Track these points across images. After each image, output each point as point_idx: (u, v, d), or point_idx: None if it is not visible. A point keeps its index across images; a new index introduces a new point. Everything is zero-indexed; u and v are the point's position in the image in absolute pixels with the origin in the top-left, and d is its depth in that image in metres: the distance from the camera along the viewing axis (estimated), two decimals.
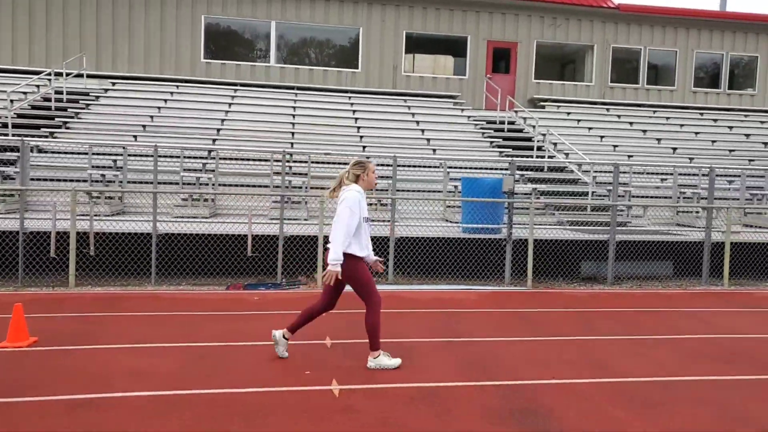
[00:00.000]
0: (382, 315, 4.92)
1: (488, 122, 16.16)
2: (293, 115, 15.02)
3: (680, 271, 10.09)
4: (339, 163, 12.60)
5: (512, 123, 16.43)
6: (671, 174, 13.28)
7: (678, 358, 5.46)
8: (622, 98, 18.72)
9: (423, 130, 14.92)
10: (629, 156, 14.38)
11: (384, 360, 4.90)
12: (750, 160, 14.65)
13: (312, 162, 12.40)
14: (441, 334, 6.05)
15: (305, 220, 10.17)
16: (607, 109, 17.94)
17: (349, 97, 16.79)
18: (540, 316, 6.96)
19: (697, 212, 12.15)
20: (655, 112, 18.12)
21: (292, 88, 17.00)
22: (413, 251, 9.11)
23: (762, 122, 17.99)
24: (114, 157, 10.87)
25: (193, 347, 5.41)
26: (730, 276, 10.06)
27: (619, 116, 17.42)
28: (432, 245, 9.18)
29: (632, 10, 18.37)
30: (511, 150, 14.17)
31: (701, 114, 18.35)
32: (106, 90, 15.23)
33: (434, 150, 13.70)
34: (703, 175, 13.33)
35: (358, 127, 14.73)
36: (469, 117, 16.23)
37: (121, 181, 10.50)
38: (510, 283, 8.97)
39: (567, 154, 14.14)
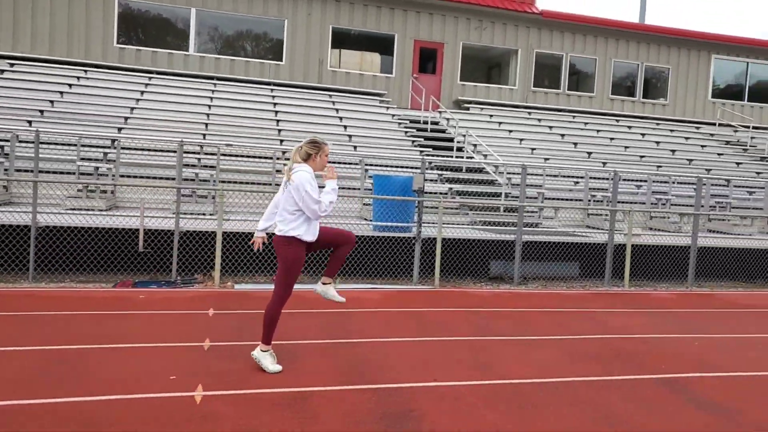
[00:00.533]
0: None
1: (412, 121, 16.13)
2: (209, 106, 14.43)
3: (586, 272, 10.33)
4: (253, 157, 12.19)
5: (435, 123, 16.47)
6: (583, 177, 13.64)
7: (562, 358, 5.47)
8: (544, 103, 19.18)
9: (345, 126, 14.69)
10: (546, 159, 14.69)
11: (267, 361, 4.63)
12: (658, 166, 15.30)
13: (224, 155, 11.96)
14: (330, 335, 5.82)
15: (211, 215, 9.70)
16: (529, 113, 18.32)
17: (272, 90, 16.34)
18: (439, 315, 6.87)
19: (606, 215, 12.52)
20: (574, 117, 18.67)
21: (212, 78, 16.36)
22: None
23: (671, 131, 18.88)
24: (2, 144, 10.02)
25: (54, 351, 4.94)
26: (632, 277, 10.39)
27: (539, 120, 17.82)
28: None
29: (555, 17, 18.85)
30: (431, 150, 14.17)
31: (617, 120, 19.07)
32: (2, 71, 14.11)
33: (355, 147, 13.49)
34: (612, 179, 13.78)
35: (277, 120, 14.34)
36: (393, 115, 16.14)
37: (6, 169, 9.68)
38: (418, 282, 8.88)
39: (485, 156, 14.28)
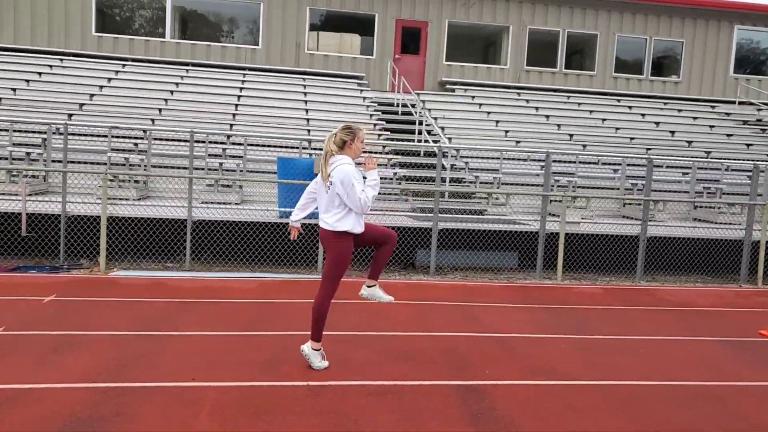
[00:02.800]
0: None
1: (383, 104, 15.45)
2: (171, 92, 14.26)
3: (525, 263, 9.48)
4: (200, 142, 11.90)
5: (412, 106, 15.71)
6: (559, 162, 12.62)
7: (373, 357, 4.85)
8: (538, 83, 18.00)
9: (307, 110, 14.21)
10: (517, 142, 13.71)
11: (315, 358, 4.54)
12: (648, 149, 14.00)
13: (172, 140, 11.76)
14: (131, 327, 5.40)
15: (134, 200, 9.47)
16: (518, 94, 17.24)
17: (244, 75, 16.04)
18: (295, 307, 6.33)
19: (574, 200, 11.52)
20: (569, 97, 17.42)
21: (187, 64, 16.23)
22: (231, 236, 8.48)
23: (679, 110, 17.32)
24: None
25: None
26: (572, 269, 9.46)
27: (527, 101, 16.73)
28: (249, 230, 8.52)
29: None
30: (389, 133, 13.49)
31: (618, 101, 17.67)
32: None
33: (308, 131, 13.00)
34: (581, 162, 12.72)
35: (237, 105, 14.03)
36: (365, 98, 15.51)
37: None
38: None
39: (450, 139, 13.47)
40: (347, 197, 4.26)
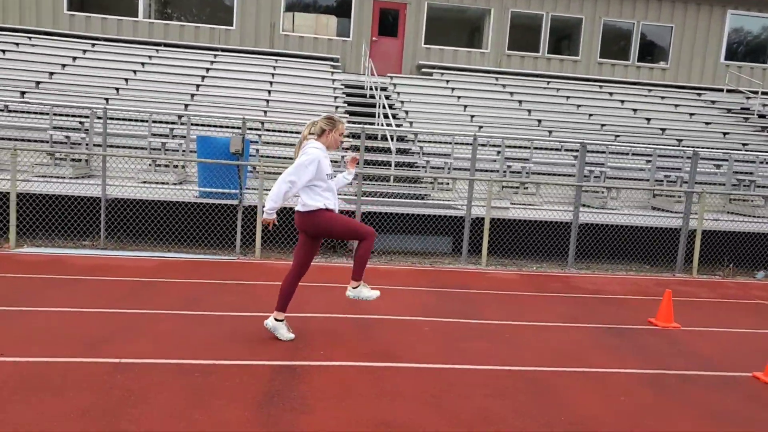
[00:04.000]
0: None
1: (351, 87, 15.20)
2: (135, 71, 14.20)
3: (458, 248, 9.23)
4: (158, 122, 11.82)
5: (384, 89, 15.44)
6: (512, 147, 12.28)
7: (209, 337, 4.70)
8: (520, 68, 17.56)
9: (270, 92, 14.04)
10: (480, 127, 13.36)
11: (364, 291, 4.68)
12: (616, 136, 13.53)
13: (129, 120, 11.69)
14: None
15: (69, 179, 9.43)
16: (497, 79, 16.82)
17: (215, 55, 15.92)
18: (171, 287, 6.21)
19: (525, 187, 11.22)
20: (549, 83, 16.96)
21: (159, 44, 16.16)
22: (148, 216, 8.40)
23: (663, 98, 16.75)
24: None
25: None
26: (507, 256, 9.20)
27: (504, 86, 16.32)
28: (164, 210, 8.43)
29: None
30: (349, 116, 13.25)
31: (600, 87, 17.14)
32: None
33: (265, 112, 12.84)
34: (539, 149, 12.36)
35: (198, 86, 13.89)
36: (334, 81, 15.28)
37: None
38: (241, 253, 8.19)
39: (411, 123, 13.20)
40: (291, 168, 4.33)
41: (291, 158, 10.75)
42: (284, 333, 4.70)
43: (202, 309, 5.43)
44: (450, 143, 11.57)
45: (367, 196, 9.78)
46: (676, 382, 4.36)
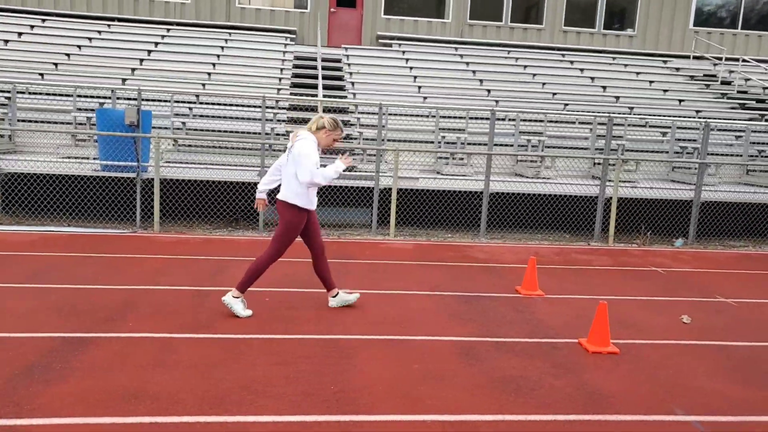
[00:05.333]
0: None
1: (304, 59, 14.97)
2: (79, 46, 14.06)
3: (382, 220, 9.11)
4: (85, 97, 11.72)
5: (338, 61, 15.21)
6: (447, 118, 12.06)
7: (29, 308, 4.67)
8: (482, 37, 17.18)
9: (214, 64, 13.86)
10: (425, 98, 13.11)
11: (239, 306, 4.74)
12: (565, 105, 13.23)
13: (60, 95, 11.60)
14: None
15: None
16: (456, 49, 16.47)
17: (167, 29, 15.72)
18: (36, 260, 6.18)
19: (461, 158, 11.04)
20: (509, 52, 16.59)
21: (113, 19, 15.99)
22: (47, 190, 8.36)
23: (626, 65, 16.33)
24: None
25: None
26: (419, 226, 9.08)
27: (462, 56, 15.98)
28: (61, 183, 8.35)
29: None
30: (294, 88, 13.08)
31: (563, 56, 16.75)
32: None
33: (204, 85, 12.68)
34: (476, 118, 12.13)
35: (142, 60, 13.74)
36: (285, 53, 15.06)
37: None
38: (141, 227, 8.14)
39: (354, 95, 12.99)
40: (299, 166, 4.46)
41: (220, 131, 10.68)
42: (240, 310, 4.73)
43: (44, 282, 5.40)
44: (393, 114, 11.36)
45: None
46: (488, 349, 4.27)
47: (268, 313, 4.84)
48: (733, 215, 9.51)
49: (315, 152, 4.53)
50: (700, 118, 13.32)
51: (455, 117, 12.06)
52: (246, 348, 4.09)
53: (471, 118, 12.04)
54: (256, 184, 8.62)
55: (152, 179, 8.23)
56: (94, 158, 8.68)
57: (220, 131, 10.66)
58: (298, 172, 4.48)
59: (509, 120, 12.53)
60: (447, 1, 17.23)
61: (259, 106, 12.17)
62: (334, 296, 5.02)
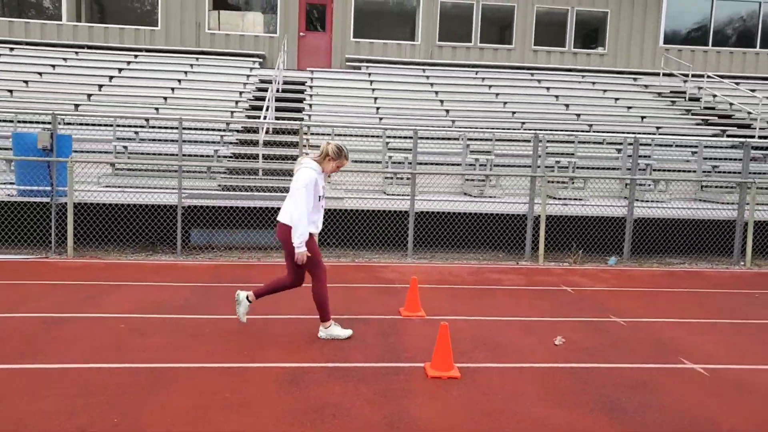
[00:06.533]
0: None
1: (266, 82, 15.04)
2: (40, 73, 14.26)
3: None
4: (34, 122, 11.82)
5: (302, 84, 15.26)
6: (400, 138, 11.97)
7: None
8: (452, 58, 17.18)
9: (173, 89, 13.96)
10: (381, 119, 13.05)
11: (335, 330, 4.81)
12: (522, 123, 13.07)
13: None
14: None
15: None
16: (423, 70, 16.47)
17: (135, 56, 15.93)
18: None
19: (400, 178, 10.91)
20: (477, 72, 16.55)
21: (83, 46, 16.26)
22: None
23: (594, 83, 16.18)
24: None
25: None
26: (346, 247, 8.90)
27: (428, 77, 15.97)
28: None
29: None
30: (247, 110, 13.11)
31: (531, 74, 16.66)
32: None
33: (157, 109, 12.75)
34: (439, 138, 12.03)
35: (99, 86, 13.87)
36: (248, 77, 15.15)
37: None
38: (56, 252, 8.03)
39: (309, 117, 12.97)
40: (294, 201, 4.49)
41: (169, 154, 10.66)
42: (340, 332, 4.80)
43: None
44: (346, 135, 11.31)
45: (229, 191, 9.62)
46: (318, 376, 4.06)
47: (106, 341, 4.69)
48: (675, 232, 9.22)
49: (312, 185, 4.50)
50: (661, 134, 13.09)
51: (405, 137, 11.96)
52: (46, 378, 3.93)
53: (420, 138, 11.93)
54: (173, 206, 8.51)
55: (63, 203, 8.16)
56: (10, 183, 8.67)
57: (166, 155, 10.65)
58: (293, 208, 4.50)
59: (469, 139, 12.40)
60: (417, 24, 17.31)
61: (210, 129, 12.22)
62: (327, 328, 4.83)
